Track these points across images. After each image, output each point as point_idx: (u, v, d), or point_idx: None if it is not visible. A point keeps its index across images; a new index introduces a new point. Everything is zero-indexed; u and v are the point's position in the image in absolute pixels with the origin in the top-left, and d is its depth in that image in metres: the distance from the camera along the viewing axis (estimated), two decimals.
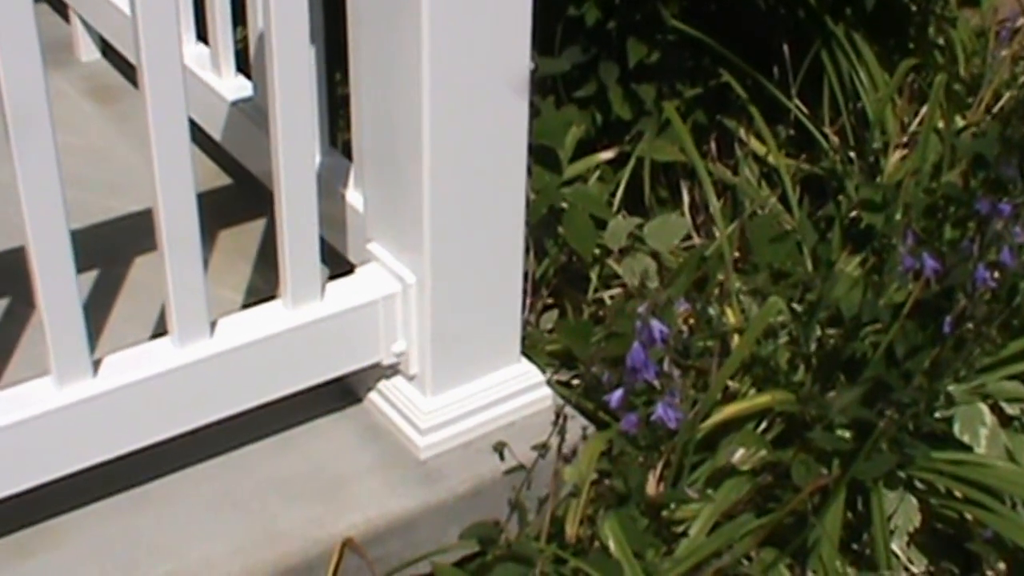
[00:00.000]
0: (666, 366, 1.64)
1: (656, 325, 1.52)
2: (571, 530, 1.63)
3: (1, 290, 1.92)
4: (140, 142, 1.51)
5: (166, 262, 1.54)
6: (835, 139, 2.44)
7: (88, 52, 2.49)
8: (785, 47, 2.41)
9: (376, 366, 1.75)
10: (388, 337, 1.72)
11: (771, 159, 2.38)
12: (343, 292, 1.70)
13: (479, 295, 1.73)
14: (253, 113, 2.02)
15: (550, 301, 2.33)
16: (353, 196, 1.83)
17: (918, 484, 1.88)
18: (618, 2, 2.24)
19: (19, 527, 1.61)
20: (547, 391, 1.82)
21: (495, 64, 1.57)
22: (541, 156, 2.24)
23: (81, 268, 1.89)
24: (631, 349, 1.54)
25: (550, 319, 2.29)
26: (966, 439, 1.88)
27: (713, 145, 2.56)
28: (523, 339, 1.96)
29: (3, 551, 1.59)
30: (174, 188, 1.51)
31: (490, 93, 1.58)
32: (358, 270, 1.74)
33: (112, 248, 2.02)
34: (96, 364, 1.55)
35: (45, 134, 1.39)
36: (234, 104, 2.06)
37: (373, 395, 1.79)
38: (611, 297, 2.25)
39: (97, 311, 1.91)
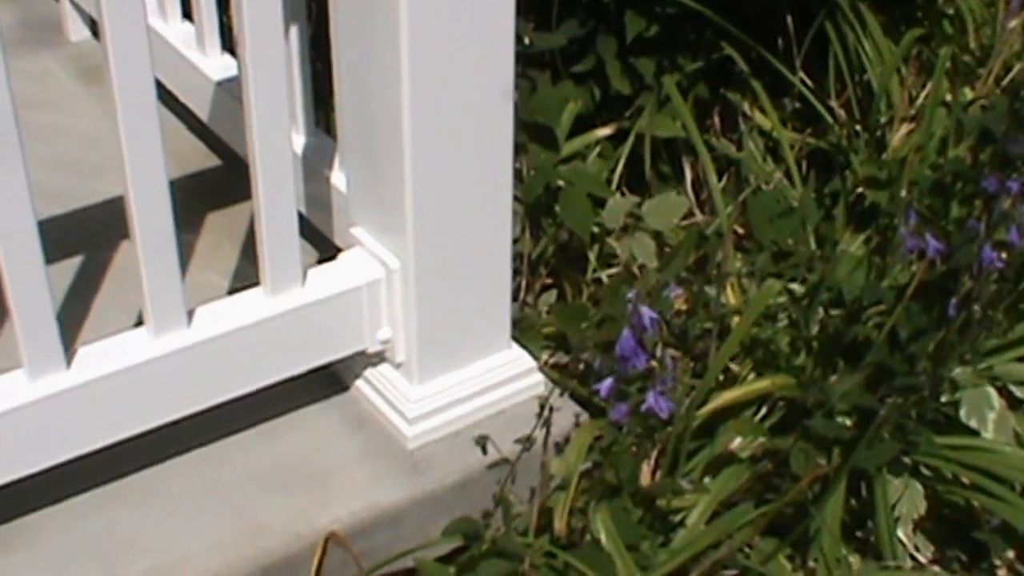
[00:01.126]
0: (659, 353, 1.59)
1: (646, 312, 1.47)
2: (560, 523, 1.58)
3: None
4: None
5: (139, 250, 1.49)
6: (841, 113, 2.37)
7: (77, 32, 2.44)
8: (789, 19, 2.34)
9: (362, 354, 1.70)
10: (373, 324, 1.67)
11: (775, 133, 2.32)
12: (325, 278, 1.65)
13: (466, 280, 1.67)
14: (239, 92, 1.96)
15: (548, 281, 2.27)
16: (338, 178, 1.78)
17: (923, 470, 1.83)
18: None
19: (2, 521, 1.58)
20: (539, 377, 1.77)
21: (478, 41, 1.51)
22: (537, 133, 2.18)
23: (66, 253, 1.86)
24: (621, 336, 1.48)
25: (548, 300, 2.24)
26: (973, 424, 1.83)
27: (716, 120, 2.50)
28: (519, 322, 1.92)
29: None
30: (144, 171, 1.46)
31: (472, 70, 1.53)
32: (341, 255, 1.69)
33: (98, 232, 1.97)
34: (70, 356, 1.51)
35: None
36: (219, 84, 2.01)
37: (360, 383, 1.75)
38: (610, 277, 2.20)
39: (81, 297, 1.87)
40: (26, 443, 1.50)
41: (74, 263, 1.93)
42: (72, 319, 1.80)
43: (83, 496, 1.60)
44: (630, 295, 1.48)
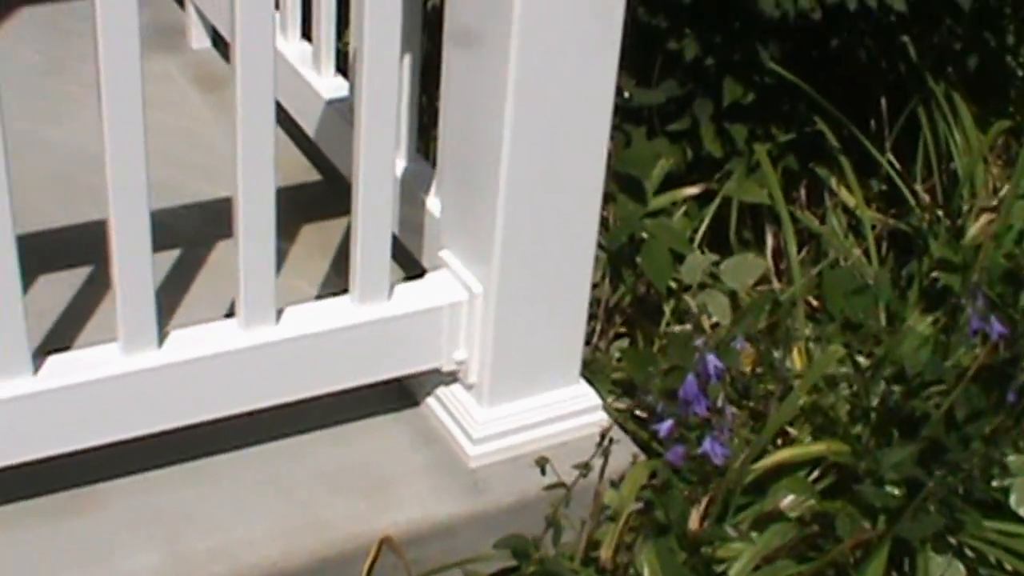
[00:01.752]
0: (720, 402, 1.65)
1: (712, 360, 1.53)
2: (606, 554, 1.64)
3: (89, 257, 1.96)
4: None
5: (239, 244, 1.58)
6: (925, 197, 2.43)
7: (199, 40, 2.55)
8: (883, 101, 2.40)
9: (436, 371, 1.77)
10: (450, 344, 1.74)
11: (859, 212, 2.38)
12: (411, 295, 1.73)
13: (543, 312, 1.74)
14: (346, 113, 2.05)
15: (622, 330, 2.33)
16: (433, 203, 1.85)
17: (968, 552, 1.86)
18: (718, 40, 2.25)
19: (74, 485, 1.66)
20: (603, 415, 1.83)
21: (579, 86, 1.59)
22: (627, 185, 2.25)
23: (166, 245, 1.95)
24: (685, 381, 1.54)
25: (620, 347, 2.30)
26: (1022, 512, 1.86)
27: (803, 192, 2.56)
28: (590, 364, 1.97)
29: (57, 507, 1.64)
30: (255, 170, 1.55)
31: (572, 114, 1.60)
32: (428, 275, 1.77)
33: (198, 230, 2.07)
34: (162, 336, 1.59)
35: (136, 106, 1.44)
36: (330, 103, 2.10)
37: (431, 400, 1.82)
38: (683, 332, 2.26)
39: (174, 289, 1.95)
40: (113, 413, 1.58)
41: (173, 255, 2.01)
42: (166, 306, 1.89)
43: (158, 471, 1.69)
44: (698, 342, 1.54)
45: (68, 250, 1.97)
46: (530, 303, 1.72)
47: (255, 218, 1.57)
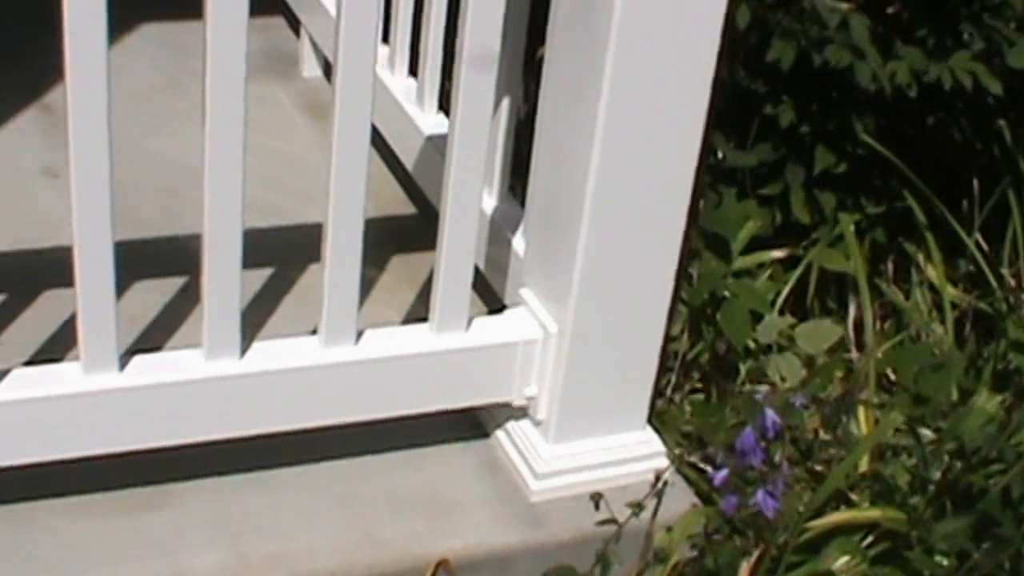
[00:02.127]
0: (777, 457, 1.68)
1: (770, 414, 1.57)
2: None
3: (185, 268, 2.04)
4: None
5: (326, 264, 1.64)
6: (1011, 281, 2.44)
7: (310, 69, 2.64)
8: (975, 181, 2.42)
9: (507, 405, 1.82)
10: (522, 380, 1.79)
11: (942, 290, 2.39)
12: (488, 329, 1.78)
13: (616, 357, 1.79)
14: (444, 149, 2.12)
15: (699, 385, 2.37)
16: (518, 243, 1.91)
17: None
18: (814, 108, 2.29)
19: (151, 482, 1.73)
20: (666, 463, 1.86)
21: (666, 137, 1.64)
22: (713, 243, 2.30)
23: (259, 264, 2.02)
24: (742, 432, 1.58)
25: (692, 401, 2.33)
26: None
27: (890, 265, 2.58)
28: (662, 414, 2.01)
29: (132, 501, 1.71)
30: (346, 196, 1.62)
31: (657, 164, 1.66)
32: (506, 311, 1.82)
33: (291, 252, 2.13)
34: (245, 347, 1.66)
35: (237, 127, 1.52)
36: (429, 138, 2.17)
37: (500, 432, 1.86)
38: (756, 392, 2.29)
39: (263, 306, 2.01)
40: (193, 415, 1.65)
41: (265, 274, 2.08)
42: (254, 321, 1.96)
43: (232, 476, 1.75)
44: (759, 396, 1.57)
45: (166, 259, 2.05)
46: (603, 346, 1.77)
47: (343, 242, 1.64)
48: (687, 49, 1.59)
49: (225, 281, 1.60)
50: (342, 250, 1.64)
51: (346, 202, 1.62)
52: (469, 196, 1.69)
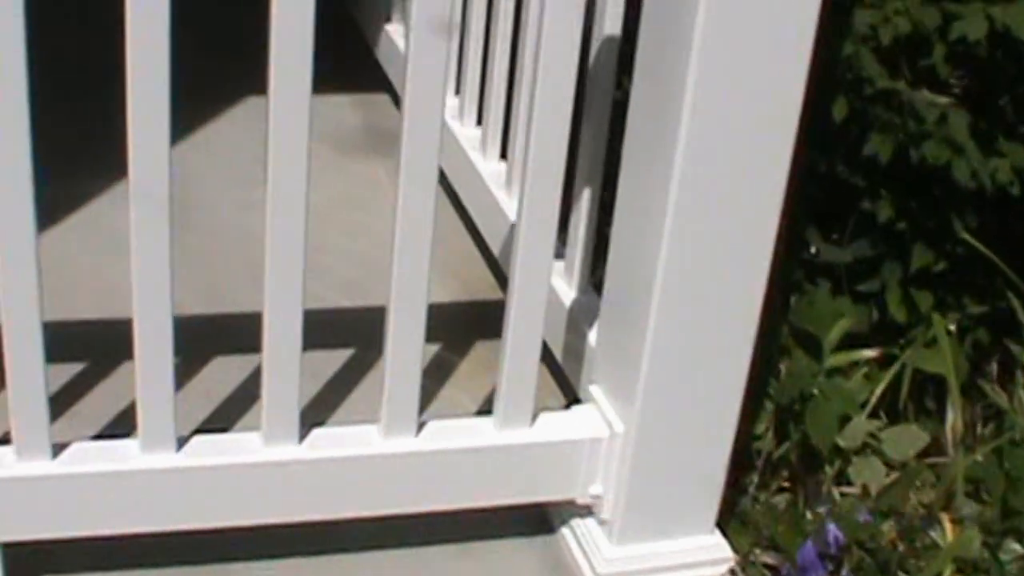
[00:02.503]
0: (843, 572, 1.63)
1: (832, 529, 1.52)
2: None
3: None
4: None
5: (386, 352, 1.64)
6: None
7: None
8: None
9: (572, 503, 1.80)
10: (587, 478, 1.76)
11: None
12: (553, 425, 1.76)
13: (683, 458, 1.75)
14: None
15: (786, 484, 2.31)
16: (593, 336, 1.89)
17: None
18: (913, 204, 2.23)
19: (210, 561, 1.73)
20: (734, 568, 1.82)
21: (740, 232, 1.61)
22: (804, 340, 2.25)
23: (341, 344, 2.02)
24: (802, 546, 1.54)
25: (781, 501, 2.28)
26: None
27: (995, 366, 2.50)
28: (743, 514, 1.96)
29: None
30: (409, 276, 1.62)
31: (730, 260, 1.62)
32: (573, 408, 1.80)
33: (373, 330, 2.13)
34: (304, 434, 1.66)
35: (299, 216, 1.52)
36: (513, 224, 2.15)
37: (564, 529, 1.84)
38: (842, 495, 2.23)
39: (340, 387, 2.01)
40: (250, 498, 1.66)
41: (346, 354, 2.08)
42: (328, 402, 1.96)
43: (289, 559, 1.75)
44: (821, 509, 1.53)
45: (252, 336, 2.06)
46: (670, 447, 1.74)
47: (404, 328, 1.63)
48: (761, 136, 1.56)
49: (283, 365, 1.60)
50: (403, 338, 1.64)
51: (408, 290, 1.61)
52: (534, 291, 1.67)
